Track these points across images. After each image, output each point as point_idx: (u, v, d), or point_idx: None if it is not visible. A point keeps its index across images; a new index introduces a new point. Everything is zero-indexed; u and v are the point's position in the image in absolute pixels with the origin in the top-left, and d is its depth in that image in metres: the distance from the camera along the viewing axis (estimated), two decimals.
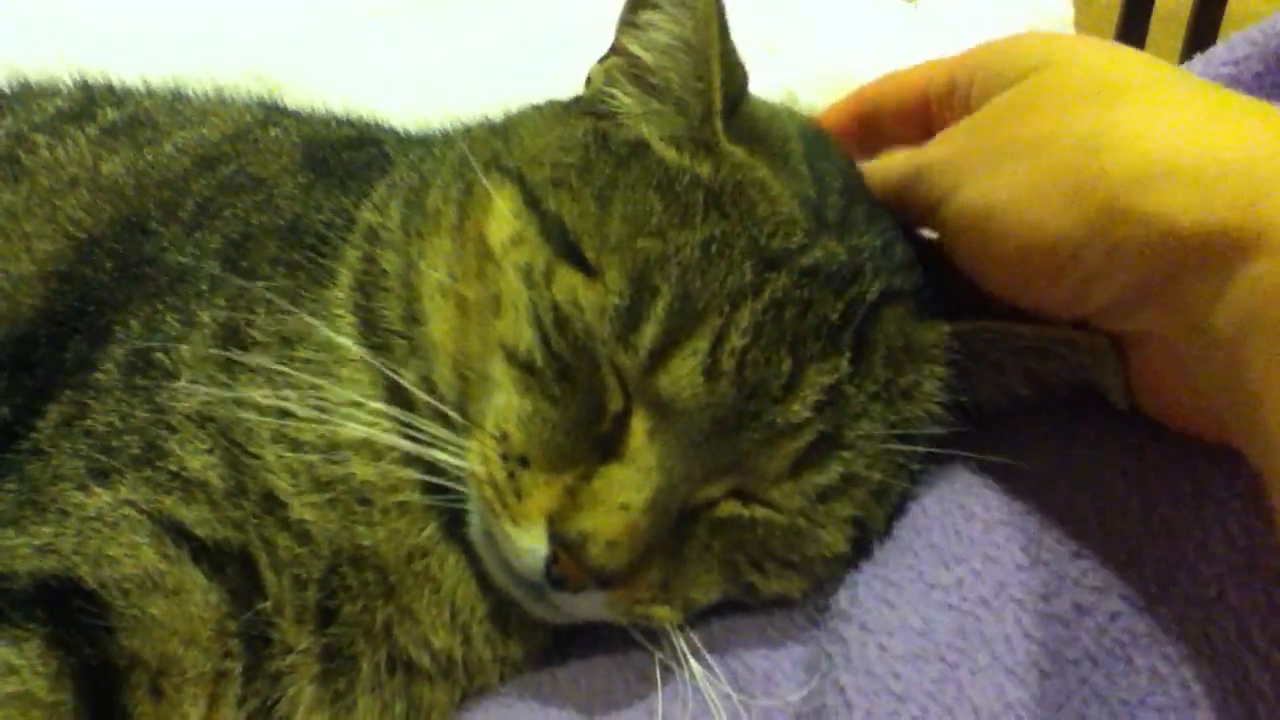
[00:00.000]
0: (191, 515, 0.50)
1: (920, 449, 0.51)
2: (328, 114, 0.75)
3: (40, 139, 0.69)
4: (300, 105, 0.77)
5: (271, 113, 0.74)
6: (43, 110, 0.74)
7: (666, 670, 0.51)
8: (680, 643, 0.51)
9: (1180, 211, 0.41)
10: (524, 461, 0.48)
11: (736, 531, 0.50)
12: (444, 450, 0.50)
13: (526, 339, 0.49)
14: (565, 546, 0.47)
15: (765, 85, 0.62)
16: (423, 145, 0.66)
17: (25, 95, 0.79)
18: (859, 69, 0.95)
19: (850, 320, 0.49)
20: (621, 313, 0.47)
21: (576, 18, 1.05)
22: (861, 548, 0.52)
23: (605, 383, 0.48)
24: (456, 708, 0.55)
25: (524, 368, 0.49)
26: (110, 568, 0.49)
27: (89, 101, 0.75)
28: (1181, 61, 0.79)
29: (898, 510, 0.53)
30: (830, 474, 0.49)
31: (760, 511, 0.49)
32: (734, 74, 0.53)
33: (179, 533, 0.50)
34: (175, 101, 0.77)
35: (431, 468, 0.51)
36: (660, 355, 0.47)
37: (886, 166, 0.56)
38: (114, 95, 0.78)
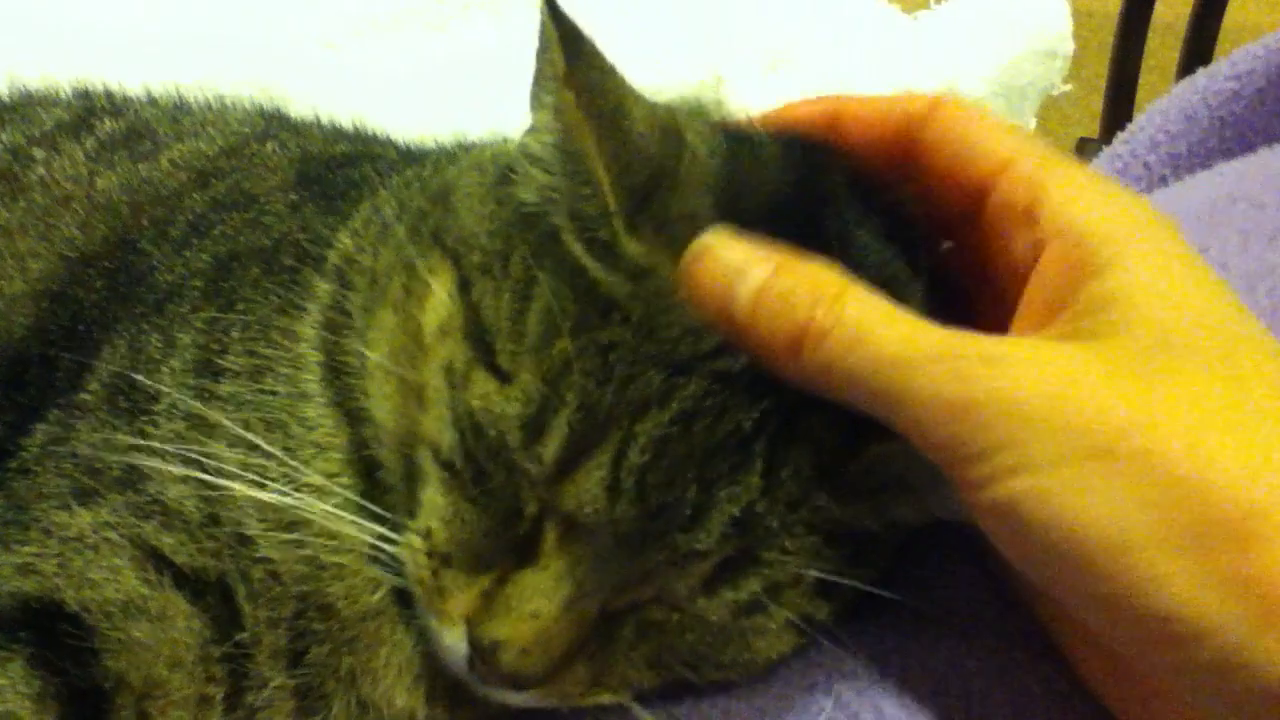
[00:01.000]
0: (170, 542, 0.50)
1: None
2: (328, 126, 0.75)
3: (38, 154, 0.69)
4: (301, 116, 0.77)
5: (271, 124, 0.74)
6: (41, 123, 0.74)
7: None
8: (639, 710, 0.50)
9: None
10: (446, 560, 0.48)
11: (663, 636, 0.48)
12: (382, 536, 0.50)
13: (447, 440, 0.48)
14: (479, 651, 0.46)
15: (766, 101, 0.59)
16: (419, 163, 0.65)
17: (25, 105, 0.79)
18: (861, 85, 0.95)
19: (764, 429, 0.45)
20: (528, 422, 0.45)
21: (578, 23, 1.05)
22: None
23: (520, 488, 0.46)
24: None
25: (446, 467, 0.48)
26: (92, 590, 0.48)
27: (88, 112, 0.75)
28: (1181, 74, 0.79)
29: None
30: (748, 590, 0.46)
31: (686, 620, 0.47)
32: (633, 168, 0.47)
33: (159, 559, 0.50)
34: (176, 111, 0.77)
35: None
36: (564, 467, 0.45)
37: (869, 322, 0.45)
38: (113, 104, 0.78)
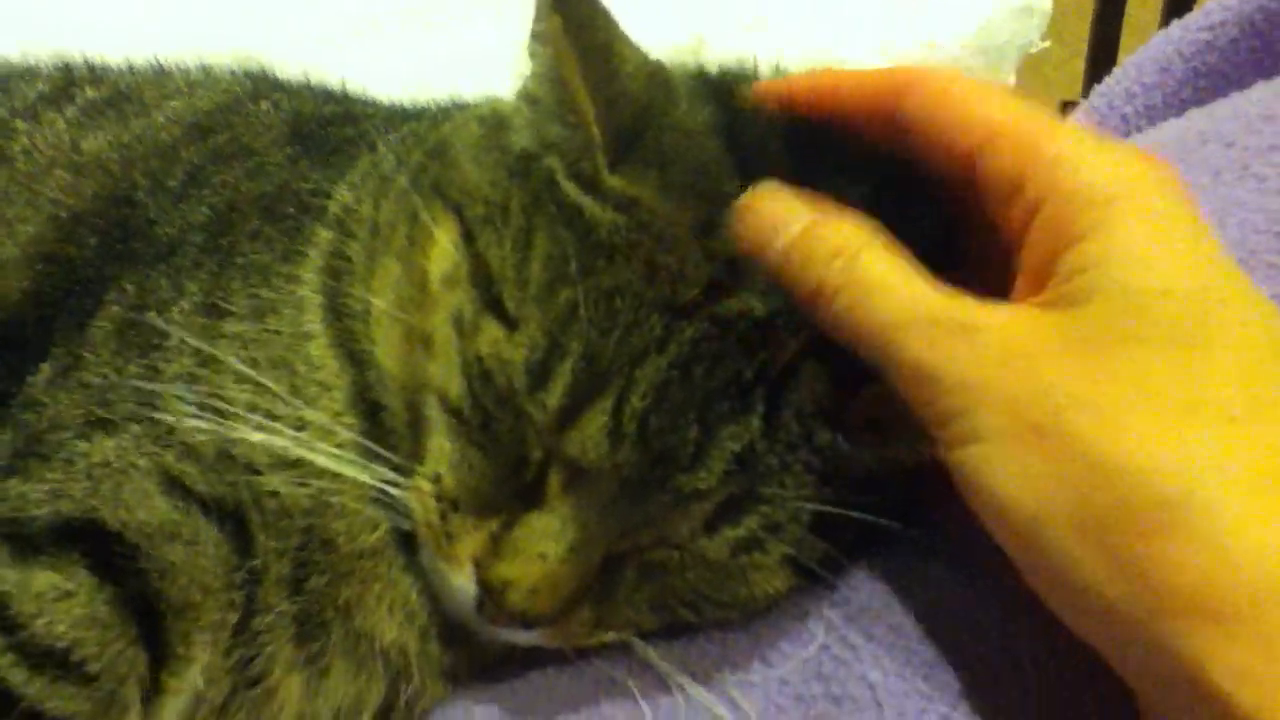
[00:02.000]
0: (190, 471, 0.51)
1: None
2: (317, 86, 0.76)
3: (21, 125, 0.70)
4: (288, 77, 0.77)
5: (260, 85, 0.75)
6: (24, 96, 0.75)
7: (644, 670, 0.51)
8: (640, 644, 0.51)
9: None
10: (455, 505, 0.49)
11: (665, 577, 0.50)
12: (386, 480, 0.51)
13: (456, 388, 0.49)
14: (488, 592, 0.48)
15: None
16: (414, 120, 0.66)
17: (8, 79, 0.79)
18: (841, 46, 0.96)
19: (765, 375, 0.47)
20: (534, 369, 0.46)
21: None
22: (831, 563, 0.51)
23: (526, 434, 0.48)
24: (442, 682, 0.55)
25: (453, 414, 0.49)
26: (128, 512, 0.49)
27: (68, 83, 0.76)
28: (1160, 28, 0.81)
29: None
30: (747, 528, 0.48)
31: (687, 559, 0.49)
32: (618, 104, 0.48)
33: (182, 487, 0.51)
34: (158, 77, 0.77)
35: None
36: (568, 414, 0.46)
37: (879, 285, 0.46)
38: (94, 74, 0.78)
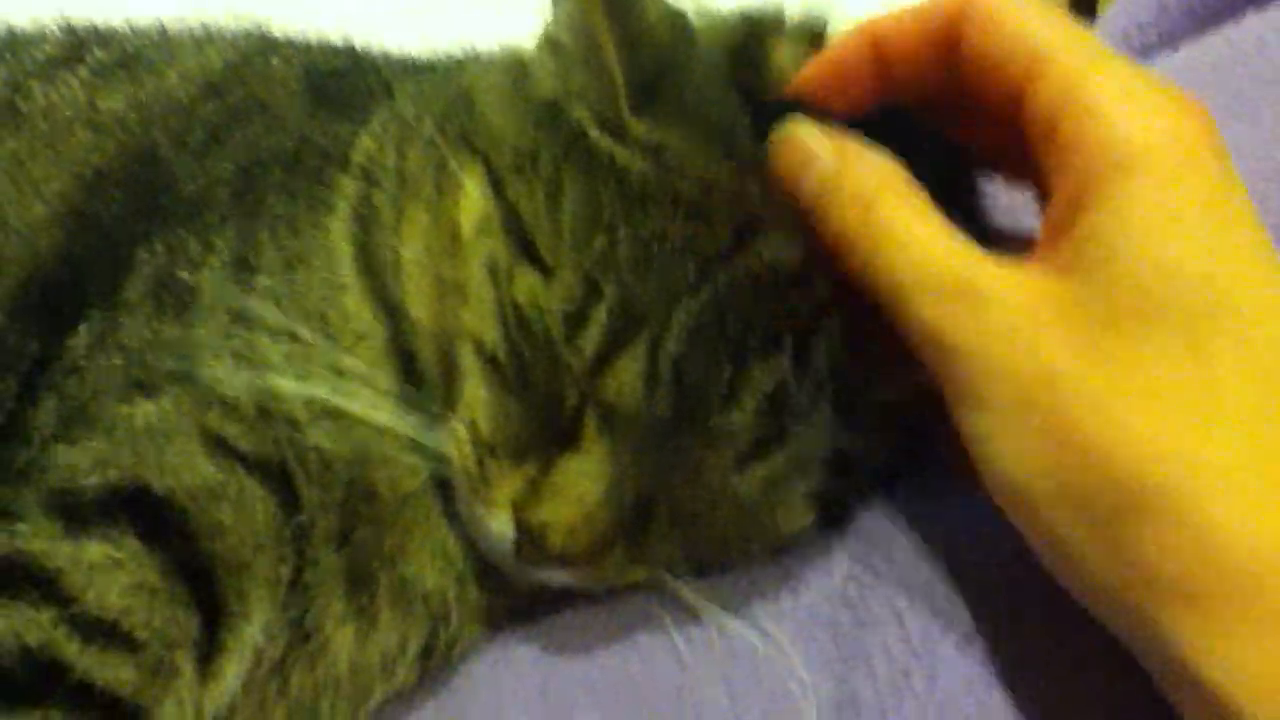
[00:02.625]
0: (232, 430, 0.52)
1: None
2: (322, 42, 0.75)
3: (35, 85, 0.69)
4: (292, 35, 0.77)
5: (268, 42, 0.75)
6: (34, 59, 0.74)
7: (676, 604, 0.53)
8: (671, 579, 0.52)
9: None
10: (492, 450, 0.50)
11: (695, 516, 0.51)
12: (424, 427, 0.52)
13: (492, 335, 0.50)
14: (527, 534, 0.49)
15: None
16: (427, 72, 0.67)
17: (15, 44, 0.78)
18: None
19: (795, 316, 0.48)
20: (570, 315, 0.48)
21: None
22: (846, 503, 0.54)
23: (562, 379, 0.49)
24: (480, 623, 0.57)
25: (489, 361, 0.50)
26: (174, 476, 0.50)
27: (77, 45, 0.75)
28: None
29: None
30: (776, 467, 0.49)
31: (718, 498, 0.50)
32: (641, 50, 0.49)
33: (225, 446, 0.51)
34: (163, 39, 0.77)
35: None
36: (603, 359, 0.47)
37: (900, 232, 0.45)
38: (100, 36, 0.78)
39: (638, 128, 0.49)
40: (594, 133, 0.50)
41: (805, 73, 0.51)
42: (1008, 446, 0.42)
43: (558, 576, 0.52)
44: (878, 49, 0.49)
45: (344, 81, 0.67)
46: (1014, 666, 0.47)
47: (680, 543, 0.52)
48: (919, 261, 0.44)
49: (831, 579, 0.53)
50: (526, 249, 0.50)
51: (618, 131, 0.49)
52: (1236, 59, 0.64)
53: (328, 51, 0.73)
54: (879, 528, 0.54)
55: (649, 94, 0.49)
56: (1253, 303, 0.39)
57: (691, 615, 0.53)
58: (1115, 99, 0.41)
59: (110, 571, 0.47)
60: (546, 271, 0.49)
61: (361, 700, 0.55)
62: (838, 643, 0.50)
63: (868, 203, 0.46)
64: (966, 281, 0.43)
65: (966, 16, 0.45)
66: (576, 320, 0.47)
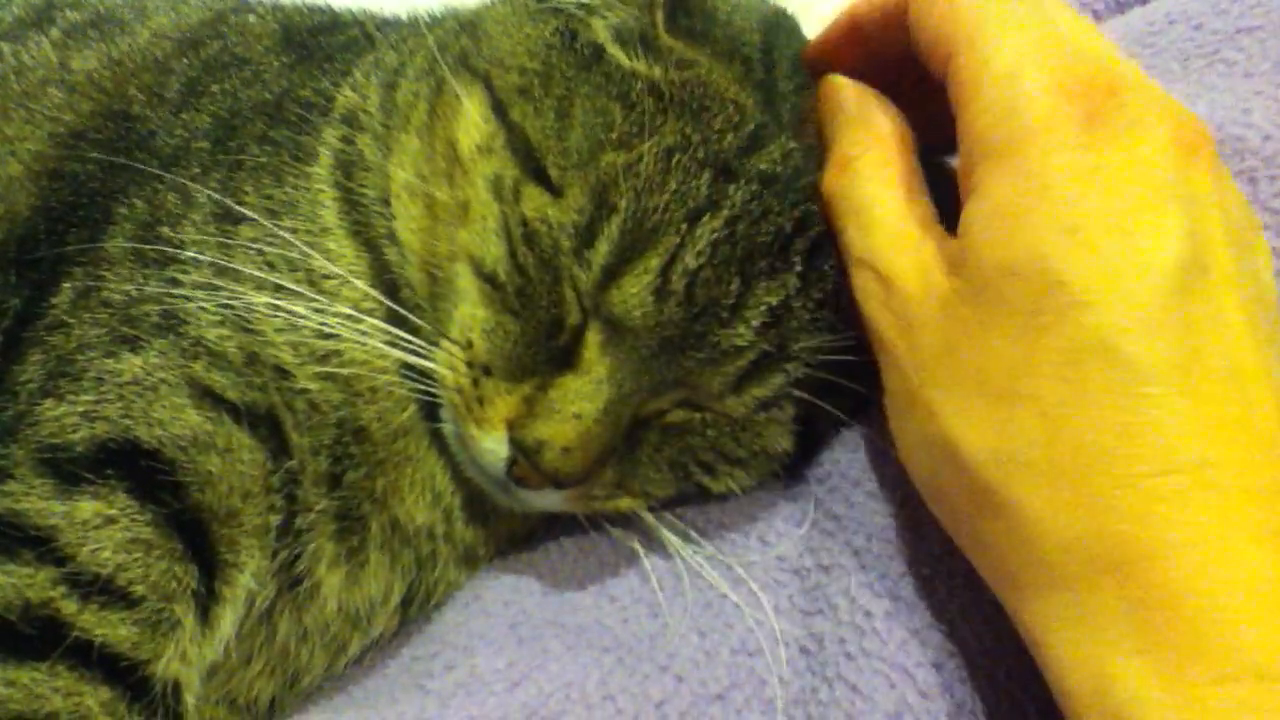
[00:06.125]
0: (220, 380, 0.52)
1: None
2: (298, 2, 0.75)
3: (5, 47, 0.69)
4: None
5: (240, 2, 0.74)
6: (2, 20, 0.74)
7: (651, 547, 0.54)
8: (651, 518, 0.54)
9: None
10: (487, 370, 0.51)
11: (685, 438, 0.52)
12: (414, 352, 0.53)
13: (494, 253, 0.50)
14: (523, 452, 0.50)
15: None
16: (409, 27, 0.66)
17: None
18: None
19: (804, 229, 0.49)
20: (580, 229, 0.48)
21: None
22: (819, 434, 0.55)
23: (564, 296, 0.49)
24: (460, 568, 0.58)
25: (488, 280, 0.51)
26: (162, 428, 0.50)
27: (48, 6, 0.75)
28: None
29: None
30: (772, 385, 0.50)
31: (708, 419, 0.52)
32: None
33: (213, 396, 0.52)
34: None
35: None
36: (612, 273, 0.48)
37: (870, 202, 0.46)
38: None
39: (671, 43, 0.50)
40: (614, 50, 0.51)
41: (806, 50, 0.54)
42: (900, 439, 0.45)
43: (549, 498, 0.52)
44: (856, 29, 0.51)
45: (322, 38, 0.67)
46: (972, 602, 0.48)
47: (668, 464, 0.53)
48: (865, 232, 0.46)
49: (800, 528, 0.54)
50: (533, 169, 0.50)
51: (649, 46, 0.50)
52: (1213, 8, 0.64)
53: (304, 9, 0.73)
54: (839, 468, 0.55)
55: (685, 10, 0.51)
56: (1072, 299, 0.38)
57: (666, 558, 0.54)
58: (1000, 84, 0.41)
59: (103, 528, 0.48)
60: (555, 191, 0.49)
61: (340, 651, 0.57)
62: (804, 588, 0.52)
63: (845, 163, 0.47)
64: (887, 265, 0.44)
65: None
66: (587, 234, 0.48)
